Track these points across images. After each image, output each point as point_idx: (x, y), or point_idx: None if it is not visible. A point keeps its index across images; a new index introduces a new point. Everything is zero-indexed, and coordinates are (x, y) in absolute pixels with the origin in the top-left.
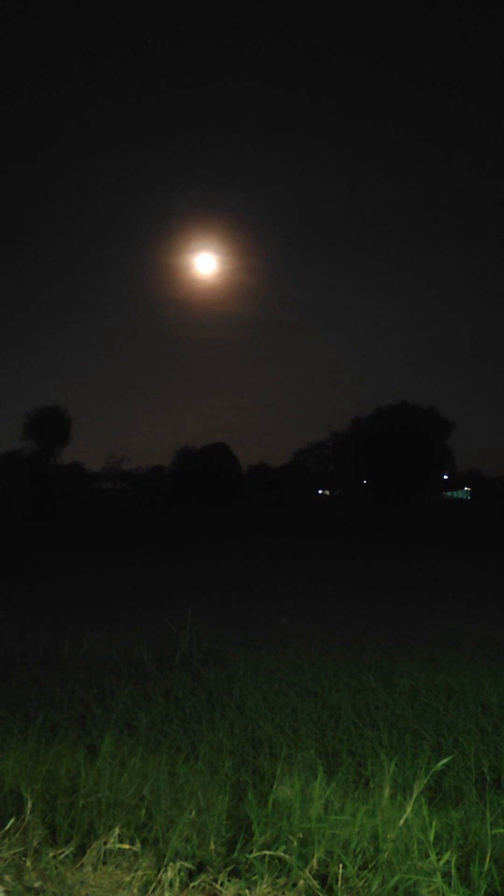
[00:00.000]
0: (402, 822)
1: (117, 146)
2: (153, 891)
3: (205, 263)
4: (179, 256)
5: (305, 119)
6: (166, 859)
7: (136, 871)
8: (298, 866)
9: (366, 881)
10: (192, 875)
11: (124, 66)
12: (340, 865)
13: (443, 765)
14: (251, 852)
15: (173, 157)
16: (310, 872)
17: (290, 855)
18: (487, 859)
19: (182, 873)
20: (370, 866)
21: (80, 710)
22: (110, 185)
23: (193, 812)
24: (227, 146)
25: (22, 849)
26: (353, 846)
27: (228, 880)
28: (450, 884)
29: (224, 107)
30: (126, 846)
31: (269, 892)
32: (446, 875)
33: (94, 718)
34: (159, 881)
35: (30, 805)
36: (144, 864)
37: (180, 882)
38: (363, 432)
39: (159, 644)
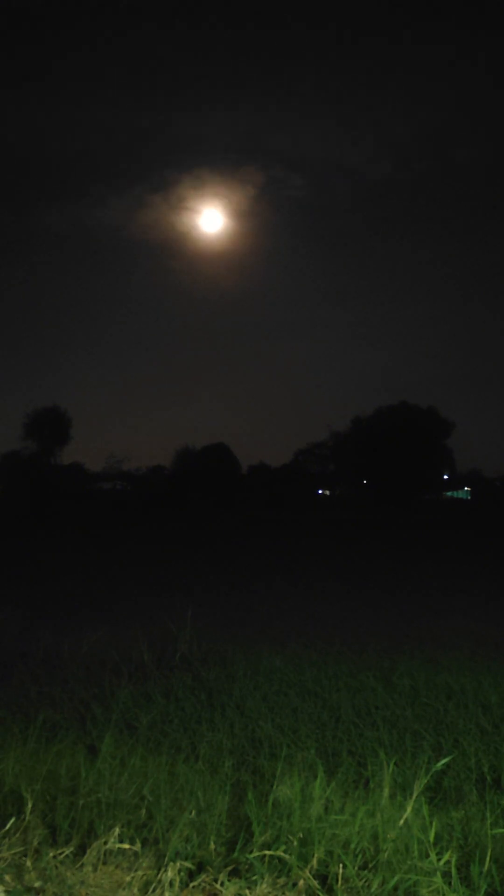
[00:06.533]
0: (402, 822)
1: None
2: (153, 891)
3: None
4: (179, 256)
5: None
6: (166, 859)
7: (136, 871)
8: (298, 866)
9: (366, 881)
10: (192, 875)
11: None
12: (340, 865)
13: (443, 765)
14: (251, 852)
15: (173, 156)
16: (310, 872)
17: (290, 855)
18: (487, 859)
19: (182, 873)
20: (370, 866)
21: (80, 710)
22: (107, 179)
23: (193, 812)
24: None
25: (22, 849)
26: (353, 846)
27: (228, 880)
28: (450, 884)
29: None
30: (126, 846)
31: (269, 892)
32: (446, 875)
33: (94, 718)
34: (159, 881)
35: (30, 805)
36: (144, 864)
37: (180, 882)
38: (363, 432)
39: (159, 644)
